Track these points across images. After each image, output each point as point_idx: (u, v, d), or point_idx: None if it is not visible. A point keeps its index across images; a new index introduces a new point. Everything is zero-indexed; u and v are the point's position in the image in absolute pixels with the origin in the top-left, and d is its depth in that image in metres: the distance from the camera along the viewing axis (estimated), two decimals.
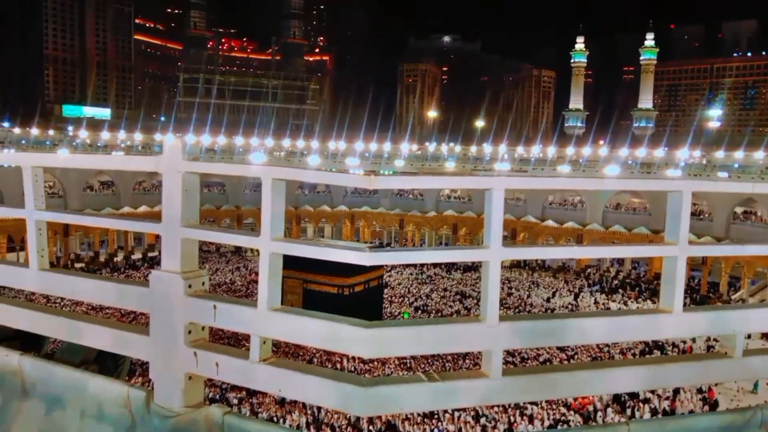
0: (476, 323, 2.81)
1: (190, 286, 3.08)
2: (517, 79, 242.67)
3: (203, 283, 3.17)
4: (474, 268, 62.37)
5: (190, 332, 3.13)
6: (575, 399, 25.33)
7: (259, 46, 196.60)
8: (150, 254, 62.03)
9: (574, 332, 2.98)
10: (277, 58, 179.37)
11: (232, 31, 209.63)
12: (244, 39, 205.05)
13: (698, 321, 3.19)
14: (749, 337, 3.28)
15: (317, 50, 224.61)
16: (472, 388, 2.79)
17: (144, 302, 3.21)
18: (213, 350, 3.06)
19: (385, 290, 47.42)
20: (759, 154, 73.27)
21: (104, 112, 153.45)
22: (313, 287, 40.79)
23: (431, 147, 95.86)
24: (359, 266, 44.63)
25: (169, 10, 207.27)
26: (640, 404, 26.80)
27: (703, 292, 53.56)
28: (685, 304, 3.18)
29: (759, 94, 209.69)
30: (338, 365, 30.47)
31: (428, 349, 2.82)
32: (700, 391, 29.11)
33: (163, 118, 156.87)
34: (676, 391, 28.64)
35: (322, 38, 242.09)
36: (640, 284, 56.37)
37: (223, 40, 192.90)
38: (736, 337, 3.25)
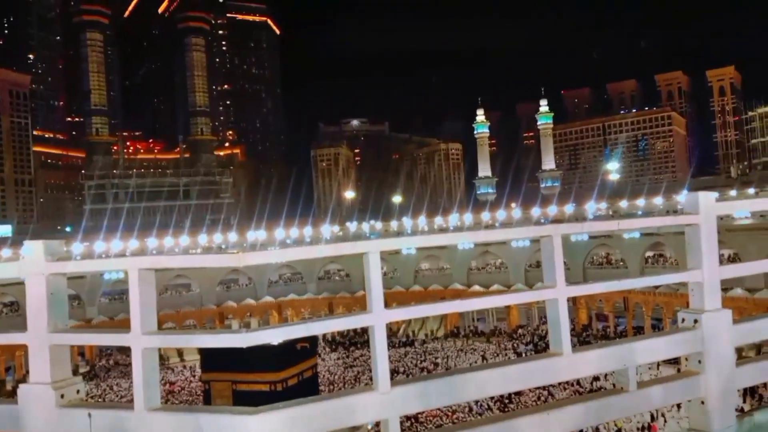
0: (368, 393, 2.74)
1: (62, 396, 2.85)
2: (427, 153, 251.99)
3: (78, 391, 2.94)
4: (410, 343, 62.09)
5: None
6: None
7: (166, 146, 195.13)
8: None
9: (472, 386, 2.96)
10: (187, 155, 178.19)
11: (137, 133, 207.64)
12: (150, 140, 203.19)
13: (589, 359, 3.26)
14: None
15: (227, 144, 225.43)
16: None
17: (12, 421, 2.92)
18: None
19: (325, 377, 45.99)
20: (658, 200, 78.45)
21: (5, 229, 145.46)
22: (243, 387, 38.86)
23: (352, 226, 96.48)
24: (291, 358, 43.35)
25: (69, 119, 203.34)
26: None
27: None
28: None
29: (649, 145, 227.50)
30: None
31: (324, 426, 2.70)
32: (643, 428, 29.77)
33: (69, 229, 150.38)
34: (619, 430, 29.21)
35: (231, 132, 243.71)
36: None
37: (128, 144, 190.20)
38: (628, 371, 3.33)
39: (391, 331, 69.69)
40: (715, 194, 3.56)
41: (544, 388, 35.39)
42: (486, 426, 2.88)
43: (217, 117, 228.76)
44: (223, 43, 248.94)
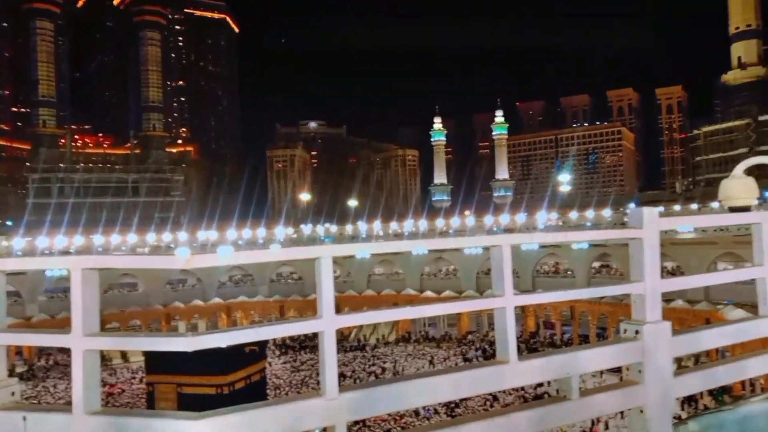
0: (316, 398, 2.72)
1: None
2: (384, 158, 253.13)
3: (12, 393, 2.82)
4: (359, 347, 62.09)
5: None
6: None
7: (116, 141, 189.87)
8: None
9: (420, 393, 2.98)
10: (137, 151, 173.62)
11: (86, 126, 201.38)
12: (100, 134, 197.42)
13: (534, 368, 3.33)
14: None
15: (180, 141, 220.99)
16: None
17: None
18: None
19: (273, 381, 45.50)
20: (606, 212, 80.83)
21: None
22: (189, 390, 38.01)
23: (307, 229, 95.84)
24: (239, 361, 42.68)
25: (14, 110, 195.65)
26: None
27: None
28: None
29: (599, 158, 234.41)
30: None
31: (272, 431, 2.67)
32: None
33: (9, 223, 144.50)
34: None
35: (184, 129, 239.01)
36: (518, 344, 58.69)
37: (76, 137, 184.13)
38: (571, 380, 3.41)
39: (343, 335, 69.48)
40: (659, 209, 3.70)
41: (490, 393, 36.13)
42: (448, 429, 2.91)
43: (170, 113, 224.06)
44: (180, 38, 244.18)
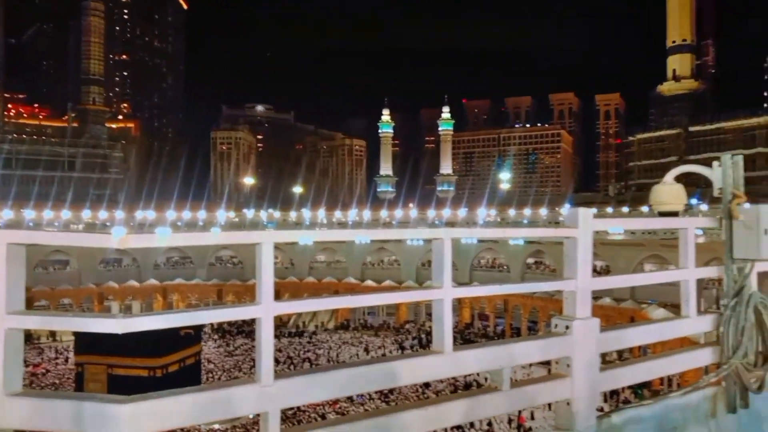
0: (250, 385, 2.69)
1: None
2: (331, 147, 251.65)
3: None
4: (298, 334, 61.81)
5: None
6: None
7: (53, 113, 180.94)
8: None
9: (356, 381, 2.99)
10: (75, 125, 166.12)
11: (20, 96, 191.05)
12: (36, 105, 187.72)
13: (467, 359, 3.40)
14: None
15: (120, 117, 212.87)
16: None
17: None
18: None
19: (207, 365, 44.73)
20: (543, 211, 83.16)
21: None
22: (120, 372, 36.95)
23: (249, 213, 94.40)
24: (173, 344, 41.74)
25: None
26: None
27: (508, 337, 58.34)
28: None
29: (538, 159, 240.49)
30: None
31: (201, 418, 2.62)
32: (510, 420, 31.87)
33: None
34: (489, 423, 31.23)
35: (126, 104, 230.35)
36: (453, 335, 59.88)
37: (9, 106, 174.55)
38: (502, 372, 3.50)
39: (282, 321, 68.96)
40: (593, 210, 3.83)
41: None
42: (368, 419, 2.93)
43: (111, 88, 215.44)
44: (125, 11, 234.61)
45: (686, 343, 4.76)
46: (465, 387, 37.15)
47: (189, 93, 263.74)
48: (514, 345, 3.63)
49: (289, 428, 2.78)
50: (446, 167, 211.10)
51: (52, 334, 60.20)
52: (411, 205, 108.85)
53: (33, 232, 2.47)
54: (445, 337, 3.22)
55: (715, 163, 4.55)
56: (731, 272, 4.42)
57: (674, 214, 4.83)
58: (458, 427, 30.94)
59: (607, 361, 4.19)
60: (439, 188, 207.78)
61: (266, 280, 2.72)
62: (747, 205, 4.38)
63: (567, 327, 3.78)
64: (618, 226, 4.63)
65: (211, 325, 64.07)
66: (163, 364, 37.60)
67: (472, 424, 31.91)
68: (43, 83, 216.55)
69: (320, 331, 65.46)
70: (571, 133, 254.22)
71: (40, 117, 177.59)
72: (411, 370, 3.15)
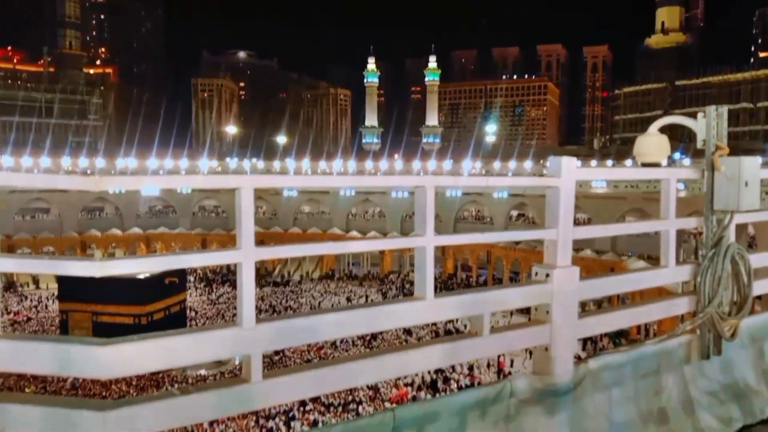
0: (232, 328, 2.70)
1: None
2: (315, 96, 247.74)
3: None
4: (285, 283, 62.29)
5: None
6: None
7: (27, 57, 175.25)
8: None
9: (337, 326, 3.02)
10: (51, 69, 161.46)
11: None
12: (9, 48, 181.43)
13: (448, 305, 3.43)
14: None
15: (98, 62, 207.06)
16: (230, 395, 2.67)
17: None
18: None
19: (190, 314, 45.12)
20: (528, 164, 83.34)
21: None
22: (105, 319, 37.24)
23: (232, 163, 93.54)
24: (157, 292, 42.08)
25: None
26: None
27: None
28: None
29: (524, 111, 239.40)
30: None
31: (181, 361, 2.64)
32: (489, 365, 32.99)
33: None
34: (471, 368, 32.21)
35: (103, 49, 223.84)
36: (436, 285, 60.78)
37: None
38: (483, 317, 3.55)
39: (267, 270, 69.35)
40: (576, 160, 3.82)
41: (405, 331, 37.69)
42: (349, 363, 2.97)
43: (88, 31, 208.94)
44: None
45: (664, 295, 4.85)
46: (446, 335, 38.08)
47: (168, 38, 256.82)
48: (494, 292, 3.67)
49: (271, 371, 2.81)
50: (432, 119, 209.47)
51: (35, 282, 60.09)
52: (396, 156, 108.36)
53: (9, 174, 2.41)
54: (426, 283, 3.24)
55: (699, 115, 4.54)
56: (711, 223, 4.47)
57: (657, 165, 4.84)
58: (440, 371, 31.79)
59: (585, 311, 4.27)
60: (424, 140, 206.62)
61: (246, 225, 2.69)
62: (728, 158, 4.40)
63: (547, 275, 3.83)
64: (601, 176, 4.62)
65: (196, 274, 64.37)
66: (148, 311, 37.92)
67: (453, 368, 32.79)
68: (17, 26, 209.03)
69: (305, 281, 65.98)
70: (558, 85, 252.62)
71: (14, 61, 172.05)
72: (392, 316, 3.18)
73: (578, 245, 53.72)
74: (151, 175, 2.64)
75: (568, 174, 3.75)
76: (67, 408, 2.45)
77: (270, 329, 2.78)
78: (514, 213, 71.36)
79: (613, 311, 4.41)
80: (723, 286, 4.43)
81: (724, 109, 4.56)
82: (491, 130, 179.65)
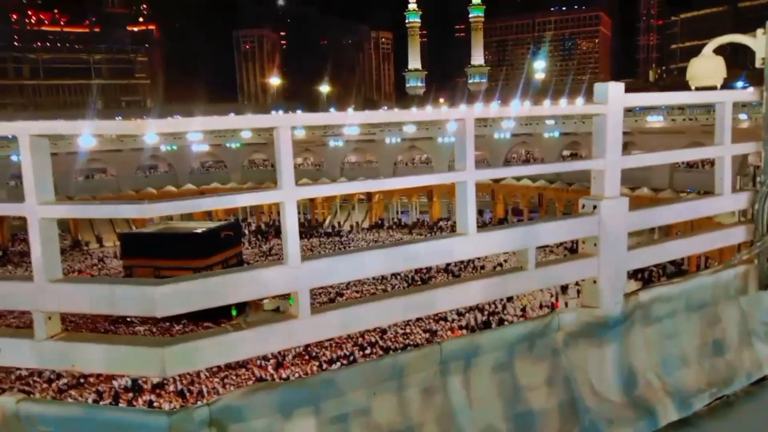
0: (279, 266, 2.78)
1: None
2: (356, 42, 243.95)
3: None
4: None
5: None
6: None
7: (72, 18, 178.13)
8: None
9: (377, 262, 3.07)
10: (96, 30, 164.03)
11: (39, 2, 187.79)
12: (55, 11, 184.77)
13: (492, 240, 3.43)
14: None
15: (141, 19, 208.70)
16: (280, 331, 2.77)
17: None
18: None
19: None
20: (579, 101, 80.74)
21: None
22: (166, 273, 38.84)
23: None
24: (215, 245, 43.48)
25: None
26: None
27: None
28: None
29: (575, 45, 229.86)
30: None
31: (233, 296, 2.74)
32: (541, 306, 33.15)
33: None
34: (523, 309, 32.49)
35: (144, 6, 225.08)
36: None
37: (29, 13, 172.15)
38: (528, 251, 3.53)
39: (318, 222, 70.56)
40: (623, 85, 3.67)
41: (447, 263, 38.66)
42: (396, 298, 3.03)
43: None
44: None
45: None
46: None
47: None
48: (540, 225, 3.64)
49: (319, 307, 2.90)
50: (478, 58, 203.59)
51: (99, 241, 63.03)
52: (441, 100, 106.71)
53: (54, 123, 2.50)
54: (468, 218, 3.23)
55: (759, 31, 4.26)
56: None
57: (713, 89, 4.60)
58: (494, 313, 32.04)
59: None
60: (470, 81, 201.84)
61: (286, 164, 2.73)
62: None
63: (594, 207, 3.75)
64: (650, 102, 4.43)
65: (248, 228, 66.13)
66: (207, 264, 39.40)
67: (506, 310, 33.02)
68: None
69: (356, 230, 66.78)
70: (611, 16, 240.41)
71: (61, 23, 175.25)
72: (434, 251, 3.20)
73: (634, 182, 52.26)
74: (192, 121, 2.70)
75: (615, 100, 3.62)
76: (129, 345, 2.60)
77: (315, 266, 2.85)
78: (566, 153, 69.71)
79: (664, 242, 4.30)
80: None
81: None
82: (540, 67, 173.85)
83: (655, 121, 56.73)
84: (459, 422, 3.20)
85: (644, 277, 36.45)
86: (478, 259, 40.79)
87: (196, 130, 2.41)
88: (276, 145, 2.71)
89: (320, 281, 2.91)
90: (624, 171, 3.83)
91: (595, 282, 3.84)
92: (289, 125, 2.68)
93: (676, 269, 37.21)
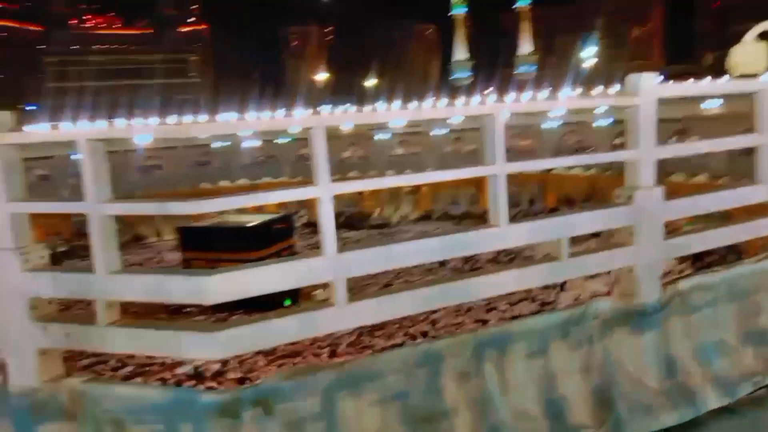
0: (317, 258, 2.96)
1: (27, 261, 3.01)
2: (401, 36, 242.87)
3: (42, 257, 3.10)
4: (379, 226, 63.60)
5: (36, 307, 3.08)
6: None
7: (127, 21, 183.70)
8: None
9: (413, 254, 3.20)
10: (150, 31, 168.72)
11: (95, 6, 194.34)
12: (111, 14, 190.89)
13: (523, 231, 3.51)
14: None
15: (192, 20, 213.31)
16: (318, 318, 2.95)
17: None
18: (61, 321, 3.03)
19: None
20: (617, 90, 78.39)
21: None
22: (223, 266, 40.23)
23: (326, 111, 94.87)
24: (269, 238, 44.66)
25: None
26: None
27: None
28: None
29: (627, 30, 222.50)
30: None
31: (274, 286, 2.94)
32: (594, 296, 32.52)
33: (33, 107, 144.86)
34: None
35: (195, 6, 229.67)
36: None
37: (85, 17, 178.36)
38: (561, 242, 3.60)
39: (366, 214, 70.83)
40: (655, 76, 3.68)
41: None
42: (431, 287, 3.18)
43: None
44: None
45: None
46: None
47: None
48: (572, 216, 3.69)
49: (358, 293, 3.06)
50: (525, 47, 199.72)
51: (158, 234, 65.03)
52: (486, 91, 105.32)
53: (109, 127, 2.73)
54: (500, 211, 3.32)
55: None
56: None
57: (754, 77, 4.52)
58: (546, 303, 31.41)
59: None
60: (518, 70, 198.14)
61: (321, 162, 2.90)
62: None
63: (629, 197, 3.78)
64: (682, 92, 4.34)
65: (301, 222, 67.10)
66: (261, 256, 40.32)
67: (558, 298, 32.33)
68: None
69: (404, 222, 66.73)
70: None
71: (116, 26, 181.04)
72: (465, 243, 3.31)
73: (671, 169, 50.33)
74: (240, 123, 2.89)
75: (647, 92, 3.63)
76: (182, 330, 2.84)
77: (351, 257, 3.02)
78: (618, 141, 67.79)
79: (703, 231, 4.27)
80: None
81: None
82: (590, 54, 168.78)
83: (710, 108, 54.51)
84: (494, 406, 3.32)
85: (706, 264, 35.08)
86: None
87: (239, 131, 2.59)
88: (310, 144, 2.88)
89: (356, 271, 3.07)
90: (681, 158, 3.84)
91: (631, 271, 3.87)
92: (323, 125, 2.84)
93: (738, 257, 35.77)
